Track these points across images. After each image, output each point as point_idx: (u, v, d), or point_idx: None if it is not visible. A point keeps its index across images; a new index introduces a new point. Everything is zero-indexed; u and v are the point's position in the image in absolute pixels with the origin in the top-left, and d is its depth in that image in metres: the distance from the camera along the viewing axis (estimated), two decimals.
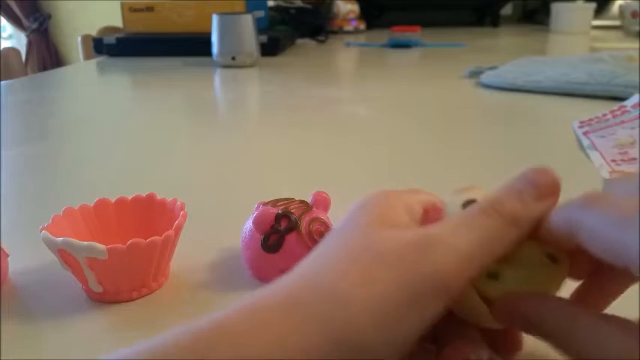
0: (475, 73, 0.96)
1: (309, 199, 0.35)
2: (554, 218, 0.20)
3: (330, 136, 0.67)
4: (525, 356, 0.25)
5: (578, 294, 0.24)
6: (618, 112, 0.59)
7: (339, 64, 1.33)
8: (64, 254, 0.30)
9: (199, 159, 0.59)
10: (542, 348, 0.24)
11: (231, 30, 1.11)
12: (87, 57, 1.61)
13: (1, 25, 2.91)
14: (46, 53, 2.77)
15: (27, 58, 2.71)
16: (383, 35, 1.54)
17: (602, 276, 0.23)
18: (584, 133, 0.58)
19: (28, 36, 2.77)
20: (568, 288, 0.23)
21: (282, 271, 0.32)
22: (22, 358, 0.27)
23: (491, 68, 0.95)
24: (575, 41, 1.53)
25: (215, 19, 1.12)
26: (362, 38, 1.69)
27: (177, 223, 0.32)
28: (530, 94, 0.83)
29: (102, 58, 1.33)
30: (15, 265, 0.34)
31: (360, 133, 0.68)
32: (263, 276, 0.33)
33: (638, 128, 0.54)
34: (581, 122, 0.61)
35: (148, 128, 0.73)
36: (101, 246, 0.29)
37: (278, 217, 0.32)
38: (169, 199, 0.36)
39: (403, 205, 0.23)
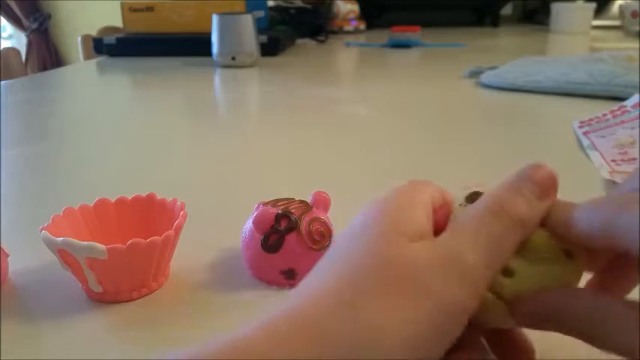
0: (475, 73, 0.96)
1: (309, 199, 0.35)
2: (583, 218, 0.20)
3: (330, 136, 0.67)
4: None
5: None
6: (618, 112, 0.59)
7: (339, 64, 1.33)
8: (64, 254, 0.30)
9: (199, 159, 0.59)
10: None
11: (231, 30, 1.11)
12: (87, 57, 1.61)
13: (1, 25, 2.91)
14: (46, 53, 2.77)
15: (27, 58, 2.71)
16: (383, 35, 1.54)
17: (615, 271, 0.22)
18: (584, 133, 0.58)
19: (28, 36, 2.77)
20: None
21: (282, 271, 0.32)
22: (22, 358, 0.27)
23: (491, 68, 0.95)
24: (575, 41, 1.53)
25: (215, 19, 1.12)
26: (362, 38, 1.69)
27: (177, 223, 0.32)
28: (530, 94, 0.83)
29: (102, 58, 1.33)
30: (15, 265, 0.34)
31: (360, 133, 0.68)
32: (263, 276, 0.33)
33: (638, 128, 0.54)
34: (581, 122, 0.61)
35: (148, 128, 0.73)
36: (101, 246, 0.29)
37: (278, 217, 0.32)
38: (169, 199, 0.36)
39: (420, 206, 0.22)
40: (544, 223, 0.21)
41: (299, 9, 1.61)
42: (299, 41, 1.56)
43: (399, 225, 0.20)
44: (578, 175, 0.49)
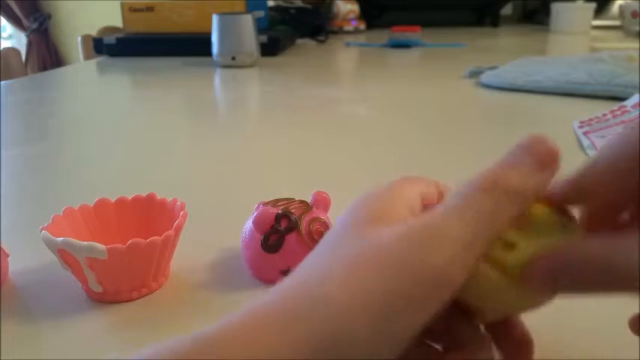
0: (475, 73, 0.96)
1: (309, 199, 0.35)
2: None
3: (330, 136, 0.67)
4: None
5: None
6: (618, 112, 0.59)
7: (339, 64, 1.33)
8: (64, 254, 0.30)
9: (199, 159, 0.59)
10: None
11: (231, 30, 1.11)
12: (87, 57, 1.61)
13: (1, 25, 2.91)
14: (46, 53, 2.77)
15: (27, 58, 2.71)
16: (383, 35, 1.54)
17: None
18: (584, 133, 0.58)
19: (28, 36, 2.77)
20: None
21: (282, 271, 0.32)
22: (22, 358, 0.27)
23: (491, 68, 0.95)
24: (575, 41, 1.53)
25: (215, 19, 1.12)
26: (362, 38, 1.69)
27: (177, 223, 0.32)
28: (530, 94, 0.83)
29: (102, 58, 1.33)
30: (15, 265, 0.34)
31: (360, 133, 0.68)
32: (263, 276, 0.33)
33: None
34: (581, 122, 0.61)
35: (148, 128, 0.73)
36: (101, 246, 0.29)
37: (278, 217, 0.32)
38: (169, 199, 0.36)
39: (402, 199, 0.22)
40: (543, 195, 0.21)
41: (299, 9, 1.61)
42: (299, 41, 1.56)
43: (373, 215, 0.21)
44: None
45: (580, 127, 0.60)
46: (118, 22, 1.48)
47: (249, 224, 0.34)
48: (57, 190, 0.50)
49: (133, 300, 0.31)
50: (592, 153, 0.53)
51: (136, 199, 0.36)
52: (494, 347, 0.23)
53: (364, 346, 0.17)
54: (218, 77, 1.08)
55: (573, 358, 0.25)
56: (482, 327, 0.23)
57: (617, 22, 1.76)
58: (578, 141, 0.57)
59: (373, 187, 0.23)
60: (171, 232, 0.31)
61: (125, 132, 0.72)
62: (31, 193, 0.50)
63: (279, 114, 0.80)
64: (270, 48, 1.27)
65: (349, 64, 1.32)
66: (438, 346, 0.23)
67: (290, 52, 1.38)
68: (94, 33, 1.65)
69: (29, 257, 0.36)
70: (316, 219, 0.33)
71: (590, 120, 0.60)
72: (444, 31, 1.78)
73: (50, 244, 0.30)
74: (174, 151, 0.63)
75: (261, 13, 1.23)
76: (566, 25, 1.65)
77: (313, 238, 0.32)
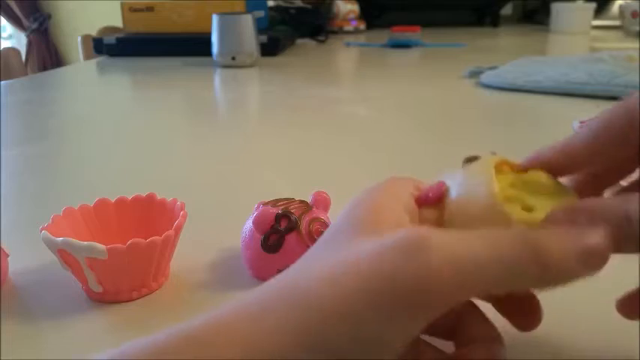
0: (475, 73, 0.96)
1: (309, 199, 0.35)
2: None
3: (330, 136, 0.67)
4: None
5: None
6: None
7: (339, 64, 1.33)
8: (64, 254, 0.30)
9: (199, 159, 0.59)
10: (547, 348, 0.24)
11: (231, 30, 1.11)
12: (87, 57, 1.61)
13: (1, 25, 2.91)
14: (46, 53, 2.77)
15: (27, 58, 2.71)
16: (383, 35, 1.54)
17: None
18: None
19: (28, 36, 2.77)
20: None
21: (282, 271, 0.32)
22: (22, 358, 0.27)
23: (491, 68, 0.95)
24: (575, 41, 1.53)
25: (215, 19, 1.12)
26: (362, 38, 1.69)
27: (177, 223, 0.32)
28: (530, 94, 0.83)
29: (102, 58, 1.33)
30: (15, 265, 0.34)
31: (360, 133, 0.68)
32: (263, 276, 0.33)
33: None
34: (581, 122, 0.61)
35: (148, 128, 0.73)
36: (101, 246, 0.29)
37: (278, 217, 0.32)
38: (169, 199, 0.36)
39: (398, 200, 0.22)
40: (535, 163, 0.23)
41: (299, 9, 1.61)
42: (299, 41, 1.56)
43: (371, 219, 0.21)
44: None
45: (580, 127, 0.60)
46: (118, 22, 1.48)
47: (249, 224, 0.34)
48: (57, 190, 0.50)
49: (133, 300, 0.31)
50: None
51: (136, 199, 0.36)
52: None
53: (341, 348, 0.17)
54: (218, 77, 1.08)
55: (573, 358, 0.25)
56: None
57: (617, 22, 1.76)
58: None
59: (367, 189, 0.23)
60: (171, 232, 0.31)
61: (125, 132, 0.72)
62: (31, 193, 0.50)
63: (279, 114, 0.80)
64: (270, 48, 1.27)
65: (349, 64, 1.32)
66: (446, 342, 0.23)
67: (290, 52, 1.38)
68: (94, 33, 1.65)
69: (29, 257, 0.36)
70: (316, 219, 0.33)
71: (590, 120, 0.60)
72: (444, 31, 1.78)
73: (50, 244, 0.30)
74: (174, 151, 0.63)
75: (261, 13, 1.23)
76: (566, 25, 1.65)
77: (313, 238, 0.32)
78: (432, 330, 0.23)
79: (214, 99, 0.95)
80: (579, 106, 0.75)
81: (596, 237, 0.18)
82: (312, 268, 0.20)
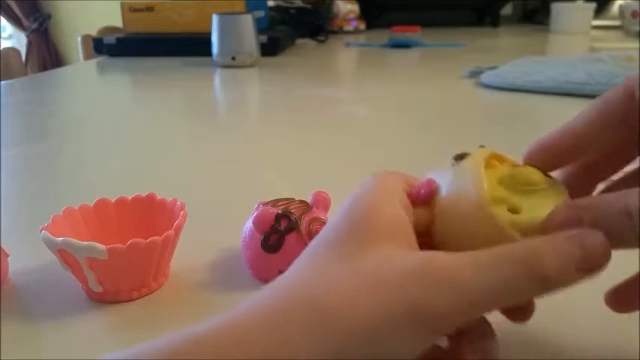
0: (475, 73, 0.96)
1: (309, 199, 0.35)
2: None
3: (330, 136, 0.67)
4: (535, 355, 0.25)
5: None
6: None
7: (339, 64, 1.33)
8: (64, 254, 0.30)
9: (199, 159, 0.59)
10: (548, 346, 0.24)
11: (231, 30, 1.11)
12: (87, 57, 1.61)
13: (1, 25, 2.91)
14: (46, 53, 2.77)
15: (27, 58, 2.71)
16: (383, 35, 1.54)
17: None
18: None
19: (28, 36, 2.77)
20: None
21: (282, 271, 0.32)
22: (22, 358, 0.27)
23: (491, 68, 0.95)
24: (575, 41, 1.53)
25: (215, 19, 1.12)
26: (362, 38, 1.69)
27: (177, 223, 0.32)
28: (530, 94, 0.83)
29: (102, 58, 1.33)
30: (15, 265, 0.34)
31: (360, 133, 0.68)
32: (263, 276, 0.33)
33: None
34: None
35: (148, 128, 0.73)
36: (101, 246, 0.29)
37: (278, 217, 0.32)
38: (169, 199, 0.36)
39: (394, 196, 0.22)
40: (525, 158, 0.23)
41: (299, 9, 1.61)
42: (299, 41, 1.56)
43: (370, 218, 0.21)
44: None
45: None
46: (118, 22, 1.48)
47: (249, 224, 0.34)
48: (57, 190, 0.50)
49: (133, 300, 0.31)
50: None
51: (136, 199, 0.36)
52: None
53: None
54: (218, 77, 1.08)
55: (573, 358, 0.25)
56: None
57: (617, 22, 1.76)
58: None
59: (361, 185, 0.23)
60: (171, 232, 0.31)
61: (125, 132, 0.72)
62: (31, 193, 0.50)
63: (279, 114, 0.80)
64: (270, 48, 1.27)
65: (349, 64, 1.32)
66: None
67: (290, 52, 1.38)
68: (94, 33, 1.65)
69: (29, 257, 0.36)
70: (316, 219, 0.33)
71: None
72: (444, 31, 1.78)
73: (50, 244, 0.30)
74: (174, 151, 0.63)
75: (261, 13, 1.23)
76: (566, 25, 1.65)
77: (313, 238, 0.32)
78: None
79: (214, 99, 0.95)
80: (579, 106, 0.74)
81: (595, 241, 0.18)
82: (327, 280, 0.19)
